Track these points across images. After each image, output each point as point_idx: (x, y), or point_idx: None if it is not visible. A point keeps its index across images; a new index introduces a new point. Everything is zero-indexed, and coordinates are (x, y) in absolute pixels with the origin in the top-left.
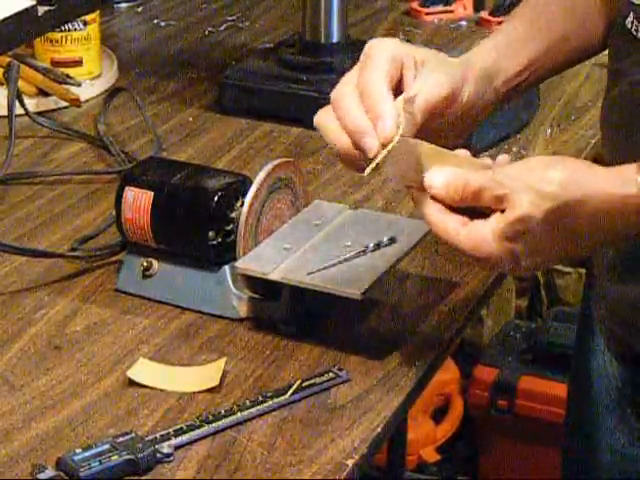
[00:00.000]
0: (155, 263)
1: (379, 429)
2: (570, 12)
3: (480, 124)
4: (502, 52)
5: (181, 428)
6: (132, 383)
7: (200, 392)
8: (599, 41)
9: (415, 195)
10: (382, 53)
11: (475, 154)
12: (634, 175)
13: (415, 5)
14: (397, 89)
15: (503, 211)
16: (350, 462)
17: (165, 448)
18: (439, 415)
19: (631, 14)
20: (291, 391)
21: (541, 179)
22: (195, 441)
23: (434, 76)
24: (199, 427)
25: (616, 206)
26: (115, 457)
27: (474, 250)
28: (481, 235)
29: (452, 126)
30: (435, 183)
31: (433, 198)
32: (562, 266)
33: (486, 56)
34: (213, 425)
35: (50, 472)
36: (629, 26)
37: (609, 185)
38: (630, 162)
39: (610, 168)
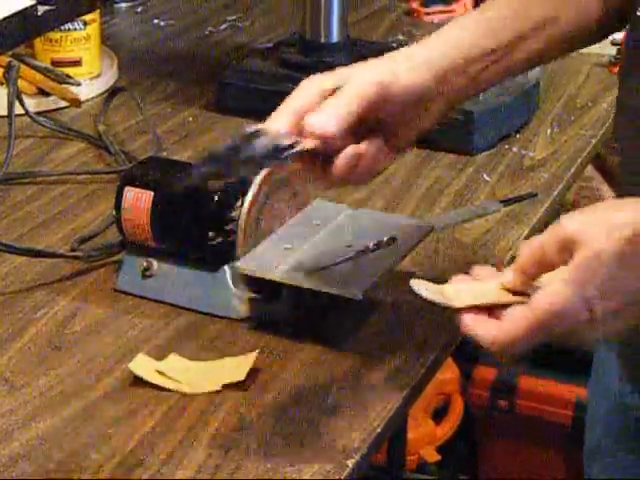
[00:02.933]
0: (155, 263)
1: (379, 429)
2: None
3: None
4: (470, 33)
5: None
6: (132, 383)
7: (200, 394)
8: (593, 28)
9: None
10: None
11: (475, 154)
12: None
13: (415, 5)
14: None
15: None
16: (350, 462)
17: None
18: (439, 415)
19: None
20: None
21: (612, 216)
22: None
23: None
24: None
25: None
26: None
27: (547, 311)
28: (551, 293)
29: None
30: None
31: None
32: None
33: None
34: None
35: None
36: None
37: None
38: None
39: None
